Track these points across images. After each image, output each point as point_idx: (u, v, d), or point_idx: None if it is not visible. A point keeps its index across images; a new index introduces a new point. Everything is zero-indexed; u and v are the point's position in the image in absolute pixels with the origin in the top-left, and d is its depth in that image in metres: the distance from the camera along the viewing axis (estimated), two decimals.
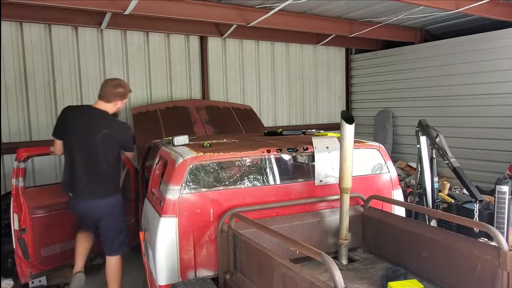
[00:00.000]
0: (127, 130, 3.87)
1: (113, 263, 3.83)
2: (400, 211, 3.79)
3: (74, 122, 3.66)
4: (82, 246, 3.88)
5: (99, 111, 3.70)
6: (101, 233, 3.83)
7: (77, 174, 3.66)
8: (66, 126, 3.67)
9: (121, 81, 3.84)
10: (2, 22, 5.60)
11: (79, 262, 3.85)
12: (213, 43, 7.45)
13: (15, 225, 3.95)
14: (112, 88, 3.67)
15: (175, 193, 3.06)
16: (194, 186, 3.15)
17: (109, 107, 3.69)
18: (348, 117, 3.13)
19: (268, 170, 3.45)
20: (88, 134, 3.62)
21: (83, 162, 3.65)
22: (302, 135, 4.42)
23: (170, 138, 3.70)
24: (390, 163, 3.89)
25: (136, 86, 6.80)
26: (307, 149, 3.53)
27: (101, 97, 3.71)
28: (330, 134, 3.83)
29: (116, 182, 3.85)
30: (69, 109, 3.81)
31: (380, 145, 3.91)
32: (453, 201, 5.32)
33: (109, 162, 3.69)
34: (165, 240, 3.04)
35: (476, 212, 4.43)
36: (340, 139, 3.18)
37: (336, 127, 4.90)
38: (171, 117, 6.09)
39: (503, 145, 6.38)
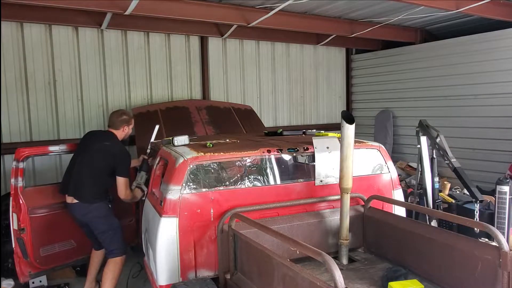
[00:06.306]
0: (126, 154, 4.10)
1: (108, 263, 3.99)
2: (400, 211, 3.79)
3: (86, 137, 4.28)
4: (92, 262, 4.28)
5: (109, 132, 4.19)
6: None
7: (72, 173, 4.00)
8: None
9: (124, 110, 4.48)
10: (2, 22, 5.60)
11: (89, 276, 4.29)
12: (214, 43, 7.45)
13: (14, 224, 3.95)
14: (118, 116, 4.19)
15: (176, 193, 3.06)
16: (195, 186, 3.15)
17: (119, 134, 4.18)
18: (348, 117, 3.13)
19: (268, 170, 3.45)
20: (93, 142, 4.08)
21: (80, 163, 3.99)
22: (303, 135, 4.43)
23: (171, 138, 3.72)
24: (390, 163, 3.89)
25: (136, 86, 6.80)
26: (307, 149, 3.53)
27: (110, 126, 4.21)
28: (330, 134, 3.83)
29: (98, 191, 3.98)
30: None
31: (381, 145, 3.91)
32: (453, 201, 5.31)
33: (98, 169, 3.94)
34: (166, 240, 3.05)
35: (476, 212, 4.43)
36: (341, 139, 3.18)
37: (336, 127, 4.90)
38: (171, 117, 6.09)
39: (503, 145, 6.37)
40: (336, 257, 3.28)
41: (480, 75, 6.65)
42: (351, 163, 3.17)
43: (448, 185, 5.90)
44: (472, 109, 6.83)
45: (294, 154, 3.64)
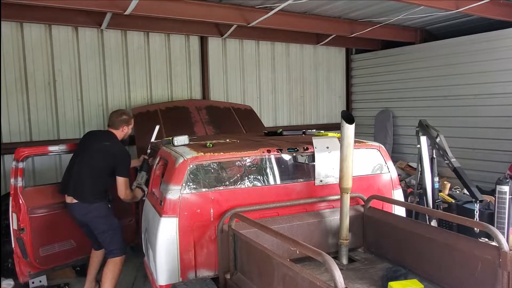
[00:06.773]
0: (126, 154, 4.10)
1: (107, 264, 4.00)
2: (400, 211, 3.79)
3: (85, 137, 4.28)
4: (92, 262, 4.28)
5: (109, 131, 4.19)
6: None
7: (72, 173, 4.02)
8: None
9: (124, 110, 4.50)
10: (2, 22, 5.60)
11: (89, 276, 4.29)
12: (214, 43, 7.45)
13: (14, 224, 3.95)
14: (118, 116, 4.20)
15: (176, 193, 3.06)
16: (195, 186, 3.15)
17: (119, 134, 4.19)
18: (348, 117, 3.13)
19: (268, 170, 3.45)
20: (93, 142, 4.08)
21: (80, 163, 4.00)
22: (303, 135, 4.42)
23: (170, 138, 3.71)
24: (390, 163, 3.89)
25: (136, 86, 6.80)
26: (307, 149, 3.53)
27: (109, 126, 4.22)
28: (330, 134, 3.83)
29: (98, 191, 3.98)
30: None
31: (381, 145, 3.91)
32: (453, 201, 5.31)
33: (98, 169, 3.94)
34: (166, 240, 3.04)
35: (476, 212, 4.43)
36: (341, 139, 3.18)
37: (336, 127, 4.89)
38: (171, 117, 6.09)
39: (503, 145, 6.37)
40: (336, 257, 3.28)
41: (480, 75, 6.65)
42: (351, 163, 3.17)
43: (448, 185, 5.90)
44: (472, 109, 6.83)
45: (294, 154, 3.64)
